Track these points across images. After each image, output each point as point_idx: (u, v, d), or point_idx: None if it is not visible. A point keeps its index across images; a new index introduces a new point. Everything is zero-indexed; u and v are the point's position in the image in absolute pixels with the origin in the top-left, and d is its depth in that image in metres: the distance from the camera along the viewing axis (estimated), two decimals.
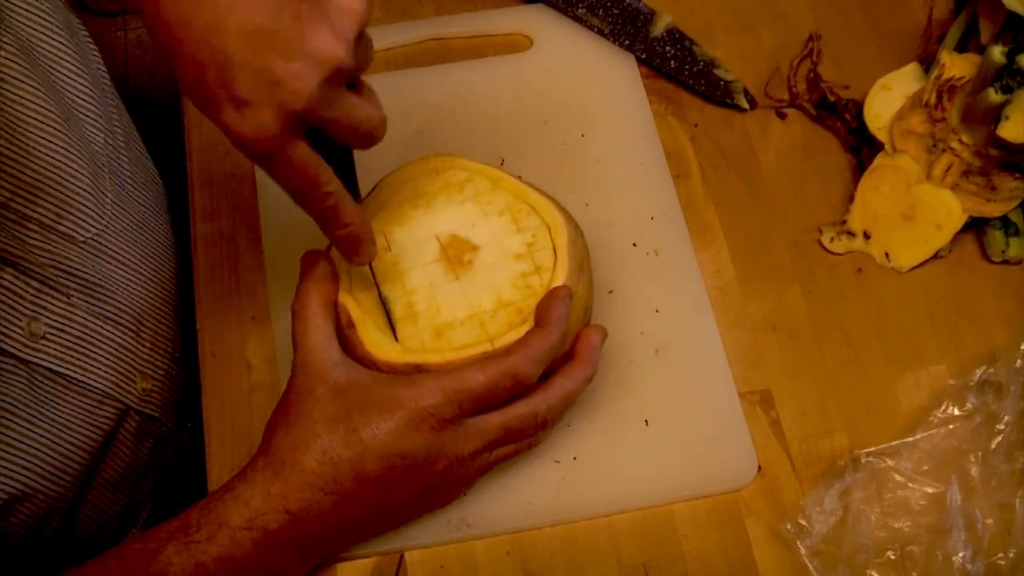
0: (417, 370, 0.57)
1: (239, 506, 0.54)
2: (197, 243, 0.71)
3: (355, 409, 0.55)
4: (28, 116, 0.60)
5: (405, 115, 0.75)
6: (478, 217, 0.62)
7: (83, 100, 0.67)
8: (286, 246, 0.70)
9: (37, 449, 0.60)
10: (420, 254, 0.61)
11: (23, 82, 0.60)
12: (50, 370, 0.61)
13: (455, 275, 0.60)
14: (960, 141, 0.69)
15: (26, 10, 0.63)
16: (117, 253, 0.68)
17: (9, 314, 0.58)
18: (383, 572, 0.61)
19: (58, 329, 0.61)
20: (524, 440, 0.59)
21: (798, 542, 0.61)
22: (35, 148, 0.61)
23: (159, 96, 0.91)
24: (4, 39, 0.59)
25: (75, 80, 0.66)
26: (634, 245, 0.70)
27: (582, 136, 0.74)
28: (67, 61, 0.65)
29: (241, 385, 0.67)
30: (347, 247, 0.57)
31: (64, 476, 0.62)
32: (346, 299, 0.59)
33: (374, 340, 0.58)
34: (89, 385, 0.64)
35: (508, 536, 0.62)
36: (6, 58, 0.59)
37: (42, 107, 0.61)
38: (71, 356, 0.62)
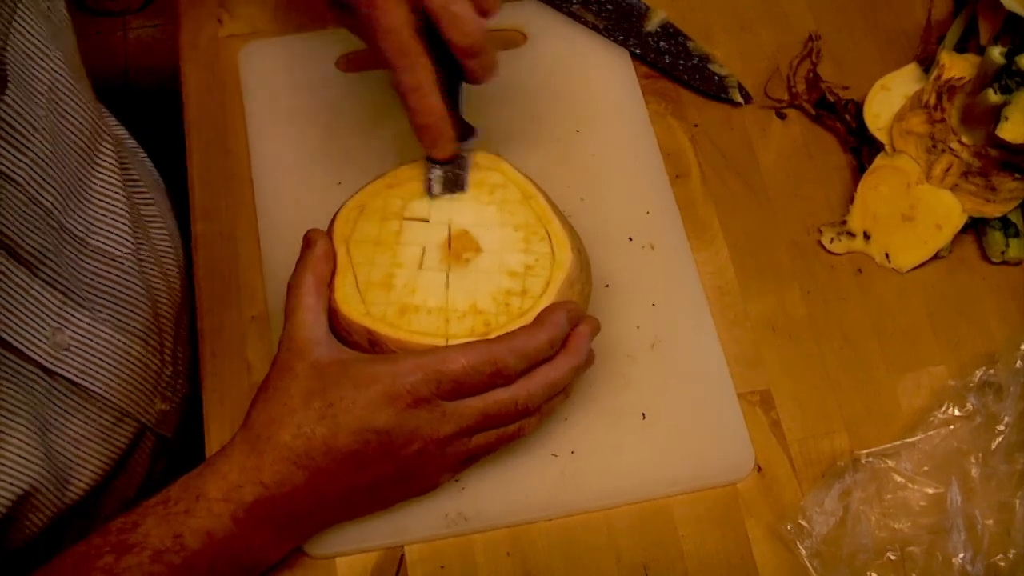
0: (370, 335, 0.58)
1: (217, 479, 0.55)
2: (197, 243, 0.71)
3: (331, 384, 0.55)
4: (70, 130, 0.61)
5: (402, 110, 0.74)
6: (495, 224, 0.62)
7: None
8: (284, 246, 0.69)
9: (50, 455, 0.60)
10: (426, 235, 0.62)
11: (69, 97, 0.61)
12: (72, 382, 0.61)
13: (446, 266, 0.61)
14: (960, 141, 0.69)
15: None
16: (148, 271, 0.69)
17: (36, 322, 0.58)
18: (383, 571, 0.61)
19: (82, 342, 0.61)
20: (507, 428, 0.58)
21: (798, 543, 0.61)
22: (72, 157, 0.62)
23: (159, 96, 0.91)
24: (56, 53, 0.60)
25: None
26: (630, 239, 0.70)
27: (577, 131, 0.74)
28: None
29: (241, 385, 0.67)
30: (424, 137, 0.61)
31: (75, 488, 0.62)
32: (342, 247, 0.61)
33: (345, 293, 0.59)
34: (110, 401, 0.64)
35: (508, 536, 0.62)
36: (57, 69, 0.60)
37: (82, 120, 0.62)
38: (94, 370, 0.62)
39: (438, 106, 0.59)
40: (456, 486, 0.62)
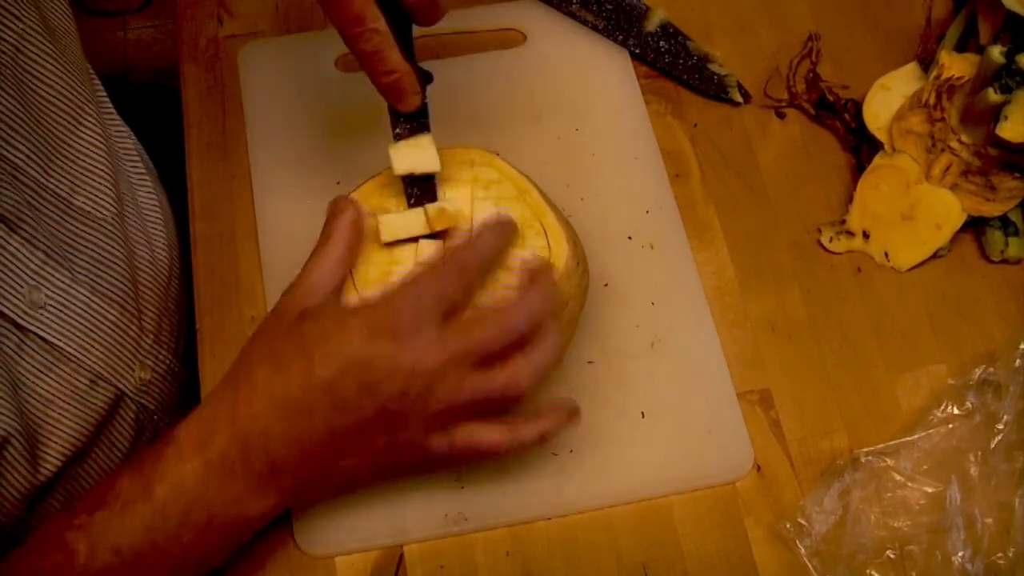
0: None
1: (189, 424, 0.54)
2: (196, 242, 0.71)
3: (311, 321, 0.55)
4: (44, 90, 0.61)
5: None
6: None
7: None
8: (284, 246, 0.70)
9: (21, 411, 0.59)
10: (421, 231, 0.62)
11: (41, 58, 0.61)
12: (45, 340, 0.61)
13: None
14: (959, 141, 0.69)
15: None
16: (131, 237, 0.69)
17: (12, 280, 0.58)
18: (383, 571, 0.61)
19: (58, 302, 0.61)
20: (500, 417, 0.57)
21: (798, 542, 0.61)
22: (50, 118, 0.61)
23: (158, 95, 0.91)
24: (31, 13, 0.59)
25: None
26: (629, 238, 0.70)
27: (576, 131, 0.74)
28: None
29: None
30: (392, 95, 0.59)
31: (50, 451, 0.61)
32: None
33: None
34: (83, 362, 0.63)
35: (507, 535, 0.62)
36: (26, 29, 0.59)
37: (59, 82, 0.62)
38: (68, 330, 0.62)
39: (400, 63, 0.58)
40: (456, 485, 0.62)
